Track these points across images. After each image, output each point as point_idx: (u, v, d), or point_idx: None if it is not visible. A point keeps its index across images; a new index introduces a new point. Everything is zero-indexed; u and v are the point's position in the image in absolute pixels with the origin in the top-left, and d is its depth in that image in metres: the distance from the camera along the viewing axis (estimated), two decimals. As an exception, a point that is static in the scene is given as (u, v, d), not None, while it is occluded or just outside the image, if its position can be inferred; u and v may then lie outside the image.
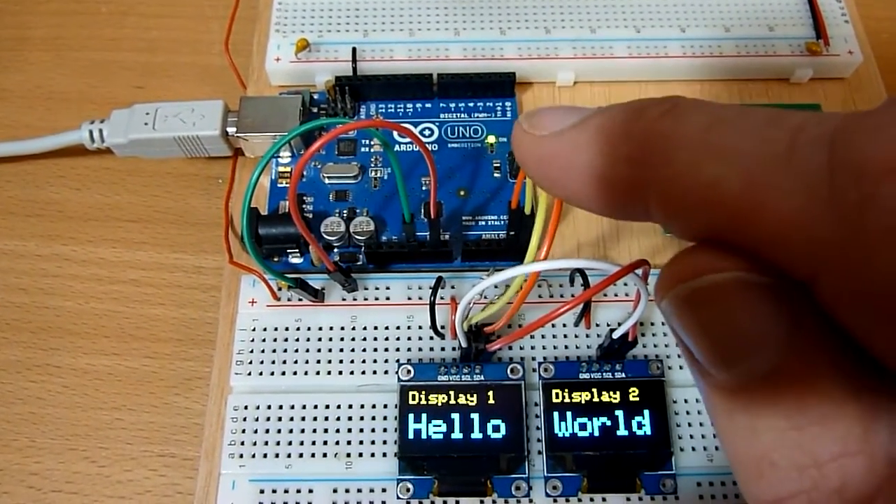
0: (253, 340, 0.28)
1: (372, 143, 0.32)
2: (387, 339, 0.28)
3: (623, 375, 0.27)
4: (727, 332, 0.11)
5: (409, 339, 0.28)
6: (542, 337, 0.28)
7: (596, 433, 0.26)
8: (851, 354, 0.11)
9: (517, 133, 0.14)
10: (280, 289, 0.28)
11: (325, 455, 0.26)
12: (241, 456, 0.26)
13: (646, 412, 0.26)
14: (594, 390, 0.26)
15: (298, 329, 0.28)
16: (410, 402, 0.26)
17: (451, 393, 0.26)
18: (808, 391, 0.11)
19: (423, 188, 0.31)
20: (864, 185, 0.09)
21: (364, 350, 0.27)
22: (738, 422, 0.11)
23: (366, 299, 0.28)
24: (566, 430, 0.26)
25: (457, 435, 0.26)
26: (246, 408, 0.27)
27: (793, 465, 0.11)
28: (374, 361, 0.27)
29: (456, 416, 0.26)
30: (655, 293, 0.12)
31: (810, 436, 0.11)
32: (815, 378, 0.11)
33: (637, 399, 0.26)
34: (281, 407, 0.27)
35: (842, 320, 0.10)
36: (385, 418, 0.27)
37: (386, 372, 0.27)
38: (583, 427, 0.26)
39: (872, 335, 0.10)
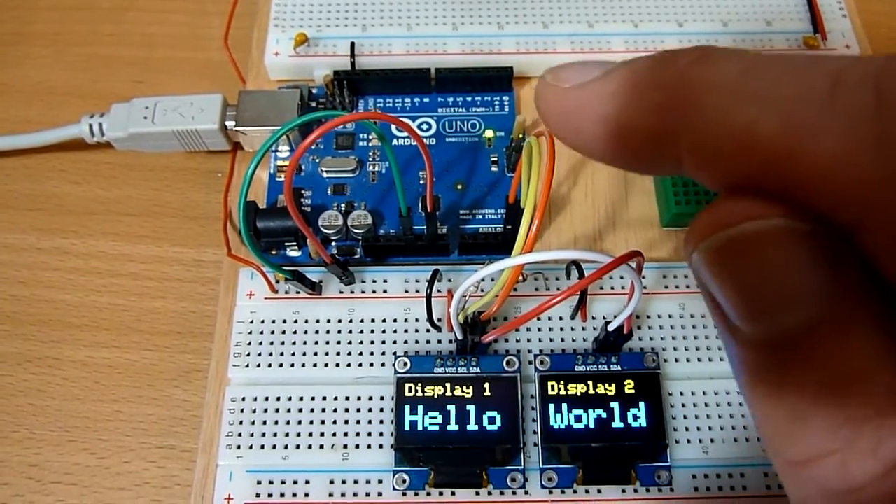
0: (251, 333, 0.28)
1: (370, 137, 0.32)
2: (384, 331, 0.28)
3: (618, 368, 0.27)
4: (765, 284, 0.11)
5: (405, 331, 0.28)
6: (539, 330, 0.28)
7: (591, 425, 0.26)
8: (893, 310, 0.10)
9: (541, 86, 0.14)
10: (278, 281, 0.28)
11: (321, 446, 0.26)
12: (239, 447, 0.26)
13: (641, 404, 0.26)
14: (590, 383, 0.26)
15: (296, 321, 0.28)
16: (407, 394, 0.26)
17: (448, 385, 0.26)
18: (846, 347, 0.10)
19: (421, 182, 0.31)
20: None
21: (361, 342, 0.28)
22: (768, 380, 0.11)
23: (363, 292, 0.28)
24: (562, 421, 0.26)
25: (453, 427, 0.26)
26: (244, 399, 0.27)
27: (826, 423, 0.10)
28: (371, 354, 0.27)
29: (452, 408, 0.26)
30: (685, 245, 0.12)
31: (845, 394, 0.10)
32: (854, 333, 0.10)
33: (632, 391, 0.26)
34: (278, 399, 0.27)
35: (886, 270, 0.10)
36: (382, 410, 0.27)
37: (383, 364, 0.27)
38: (578, 419, 0.26)
39: None
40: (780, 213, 0.11)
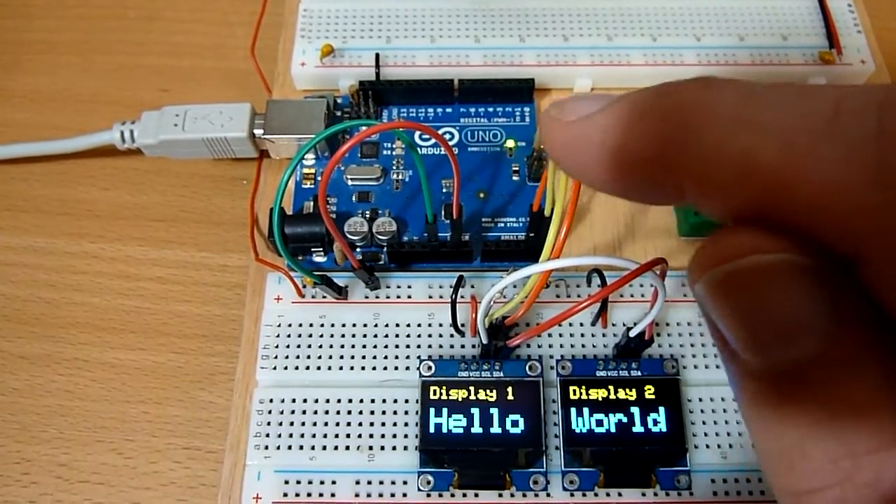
0: (278, 336, 0.28)
1: (394, 146, 0.33)
2: (408, 335, 0.28)
3: (639, 373, 0.27)
4: (768, 318, 0.10)
5: (429, 335, 0.28)
6: (560, 336, 0.28)
7: (612, 429, 0.26)
8: (893, 342, 0.10)
9: (545, 121, 0.14)
10: (305, 286, 0.29)
11: (348, 447, 0.27)
12: (266, 447, 0.27)
13: (661, 409, 0.27)
14: (611, 388, 0.27)
15: (323, 325, 0.29)
16: (432, 396, 0.27)
17: (472, 388, 0.27)
18: (847, 380, 0.10)
19: (444, 190, 0.32)
20: None
21: (386, 346, 0.28)
22: (769, 410, 0.11)
23: (388, 297, 0.29)
24: (583, 425, 0.26)
25: (476, 429, 0.26)
26: (271, 401, 0.27)
27: (826, 456, 0.10)
28: (396, 357, 0.28)
29: (476, 411, 0.26)
30: (689, 275, 0.12)
31: (846, 427, 0.10)
32: (855, 367, 0.10)
33: (652, 397, 0.27)
34: (305, 400, 0.27)
35: (887, 301, 0.10)
36: (407, 412, 0.27)
37: (407, 368, 0.28)
38: (599, 423, 0.26)
39: None
40: (782, 248, 0.11)
